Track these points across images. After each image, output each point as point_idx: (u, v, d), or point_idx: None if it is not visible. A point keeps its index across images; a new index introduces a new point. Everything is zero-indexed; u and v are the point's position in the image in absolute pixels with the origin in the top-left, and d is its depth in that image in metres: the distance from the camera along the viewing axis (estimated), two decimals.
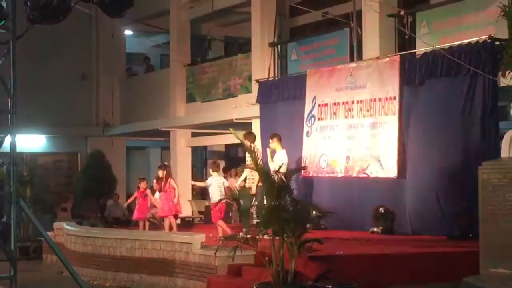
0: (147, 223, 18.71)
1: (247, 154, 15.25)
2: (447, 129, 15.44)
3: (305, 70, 19.17)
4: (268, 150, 16.26)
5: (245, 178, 16.52)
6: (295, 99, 19.24)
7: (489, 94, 14.67)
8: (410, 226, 16.06)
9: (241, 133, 13.05)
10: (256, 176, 15.11)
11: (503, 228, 10.49)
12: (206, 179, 18.40)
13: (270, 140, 16.38)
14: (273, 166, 15.22)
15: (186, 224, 21.63)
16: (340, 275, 11.84)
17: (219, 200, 15.74)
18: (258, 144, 17.49)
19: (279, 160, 15.68)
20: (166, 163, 19.83)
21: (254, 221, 12.52)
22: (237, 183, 16.85)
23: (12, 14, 9.72)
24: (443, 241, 14.52)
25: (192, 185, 24.80)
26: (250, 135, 16.34)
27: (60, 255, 10.85)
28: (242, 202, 12.41)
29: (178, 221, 18.78)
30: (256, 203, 12.39)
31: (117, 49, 29.59)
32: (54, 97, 27.30)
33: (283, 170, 14.94)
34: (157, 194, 18.39)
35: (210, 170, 17.40)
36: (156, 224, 18.62)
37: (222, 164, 28.31)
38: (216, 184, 16.69)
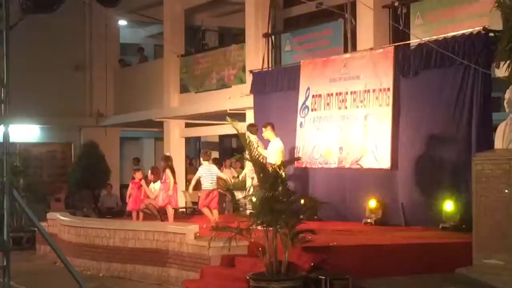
0: (141, 214, 18.71)
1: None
2: (440, 120, 15.44)
3: (299, 61, 19.15)
4: (255, 139, 16.22)
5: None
6: (289, 90, 19.22)
7: (483, 85, 14.65)
8: (403, 217, 16.07)
9: (237, 123, 13.02)
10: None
11: (496, 219, 10.51)
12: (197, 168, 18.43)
13: (263, 129, 16.41)
14: (268, 155, 15.30)
15: (180, 215, 21.63)
16: (334, 266, 11.87)
17: (213, 189, 15.95)
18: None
19: (275, 148, 15.73)
20: (167, 154, 19.84)
21: (247, 212, 12.52)
22: (236, 174, 16.97)
23: (5, 3, 9.68)
24: (436, 232, 14.54)
25: (186, 177, 24.86)
26: (253, 127, 16.47)
27: (53, 246, 10.83)
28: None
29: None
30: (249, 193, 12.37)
31: (111, 39, 29.52)
32: (47, 87, 27.26)
33: (276, 158, 15.01)
34: (157, 184, 18.39)
35: (201, 159, 17.79)
36: (150, 214, 18.61)
37: (215, 154, 28.46)
38: (208, 173, 17.00)
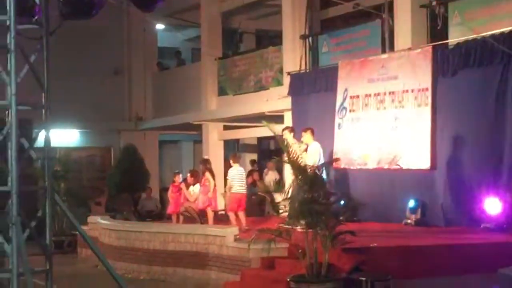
0: (181, 217, 18.79)
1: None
2: (480, 120, 15.33)
3: (336, 62, 19.11)
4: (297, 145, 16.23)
5: None
6: (326, 91, 19.20)
7: None
8: (443, 217, 15.97)
9: (274, 125, 13.03)
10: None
11: None
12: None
13: (303, 133, 16.39)
14: (308, 159, 15.30)
15: (220, 217, 21.65)
16: (374, 267, 11.83)
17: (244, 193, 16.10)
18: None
19: (314, 152, 15.72)
20: (206, 157, 19.91)
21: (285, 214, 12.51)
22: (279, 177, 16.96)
23: (45, 9, 9.77)
24: (477, 232, 14.43)
25: (225, 180, 24.90)
26: (288, 129, 16.47)
27: (95, 249, 10.91)
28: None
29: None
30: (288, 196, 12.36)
31: (149, 43, 29.71)
32: (87, 92, 27.41)
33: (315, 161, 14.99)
34: (197, 187, 18.46)
35: (231, 161, 17.65)
36: (189, 217, 18.68)
37: (254, 156, 28.48)
38: (239, 176, 17.12)
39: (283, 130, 15.96)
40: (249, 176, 24.24)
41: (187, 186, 18.87)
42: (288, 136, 15.43)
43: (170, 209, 19.25)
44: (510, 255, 10.93)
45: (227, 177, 17.36)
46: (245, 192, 17.29)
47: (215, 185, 17.95)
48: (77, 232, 14.20)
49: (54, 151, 24.81)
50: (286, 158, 12.35)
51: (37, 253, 10.14)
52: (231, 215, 17.15)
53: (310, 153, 15.77)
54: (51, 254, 9.85)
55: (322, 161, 15.46)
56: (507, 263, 11.03)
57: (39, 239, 9.83)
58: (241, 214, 17.05)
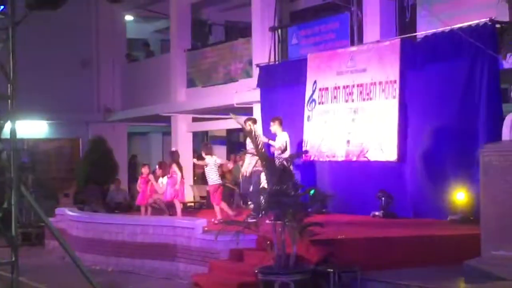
0: (149, 208, 18.76)
1: (248, 140, 15.36)
2: (448, 112, 15.42)
3: (306, 54, 19.13)
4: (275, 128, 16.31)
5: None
6: (295, 83, 19.20)
7: (490, 76, 14.62)
8: (411, 210, 16.07)
9: (242, 118, 13.03)
10: (252, 160, 15.20)
11: (504, 211, 10.51)
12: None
13: (271, 123, 16.42)
14: (275, 144, 15.37)
15: (188, 209, 21.66)
16: (342, 258, 11.87)
17: (220, 185, 15.98)
18: (259, 128, 17.50)
19: (281, 140, 15.79)
20: (173, 149, 19.86)
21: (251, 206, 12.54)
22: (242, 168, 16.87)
23: None
24: (444, 224, 14.54)
25: (194, 169, 24.90)
26: (251, 120, 16.41)
27: (62, 241, 10.87)
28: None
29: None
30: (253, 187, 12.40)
31: (118, 34, 29.53)
32: (54, 83, 27.23)
33: (287, 153, 15.04)
34: (165, 179, 18.45)
35: (203, 153, 17.23)
36: (158, 209, 18.66)
37: (223, 148, 28.49)
38: (213, 164, 16.87)
39: (245, 121, 15.88)
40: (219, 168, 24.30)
41: (156, 178, 18.84)
42: (253, 128, 15.46)
43: (138, 201, 19.22)
44: (476, 247, 11.00)
45: (206, 162, 17.01)
46: (221, 182, 17.26)
47: (182, 177, 17.93)
48: (45, 224, 14.10)
49: (21, 143, 24.73)
50: (253, 149, 12.34)
51: (3, 245, 10.09)
52: (224, 206, 17.00)
53: (277, 142, 15.85)
54: (17, 245, 9.81)
55: (288, 152, 15.46)
56: (472, 255, 11.12)
57: (5, 231, 9.78)
58: (217, 207, 16.99)
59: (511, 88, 15.91)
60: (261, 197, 12.16)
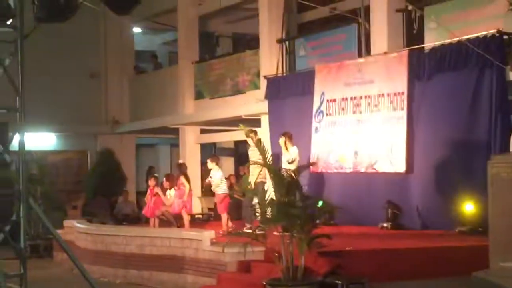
0: (156, 220, 18.77)
1: (250, 151, 15.44)
2: (456, 124, 15.41)
3: (313, 66, 19.16)
4: (282, 142, 16.35)
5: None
6: (303, 95, 19.23)
7: (498, 88, 14.63)
8: (419, 221, 16.04)
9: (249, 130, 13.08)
10: (256, 171, 15.22)
11: None
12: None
13: (282, 137, 16.47)
14: (287, 157, 15.39)
15: (196, 221, 21.65)
16: (350, 270, 11.85)
17: (226, 195, 16.07)
18: (266, 140, 17.52)
19: (293, 154, 15.87)
20: (181, 161, 19.88)
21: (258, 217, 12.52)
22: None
23: (20, 12, 9.74)
24: (452, 236, 14.51)
25: (202, 181, 24.91)
26: (253, 132, 16.49)
27: (70, 253, 10.89)
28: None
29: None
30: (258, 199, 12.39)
31: (126, 46, 29.60)
32: (63, 95, 27.29)
33: (294, 165, 15.05)
34: (173, 191, 18.48)
35: (212, 163, 17.35)
36: (166, 221, 18.66)
37: (231, 160, 28.51)
38: (219, 177, 16.99)
39: (248, 134, 15.90)
40: (227, 180, 24.33)
41: (164, 191, 18.85)
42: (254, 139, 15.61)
43: (145, 211, 19.23)
44: (484, 258, 10.96)
45: (210, 179, 17.18)
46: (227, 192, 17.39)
47: (190, 189, 17.95)
48: (53, 236, 14.12)
49: (30, 155, 24.75)
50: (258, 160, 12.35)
51: (12, 257, 10.11)
52: (224, 216, 17.12)
53: (288, 159, 15.92)
54: (26, 258, 9.82)
55: (296, 165, 15.47)
56: (480, 267, 11.08)
57: (14, 243, 9.80)
58: (224, 214, 17.12)
59: None
60: (268, 208, 12.14)
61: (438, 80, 15.82)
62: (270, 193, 12.29)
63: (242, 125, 13.11)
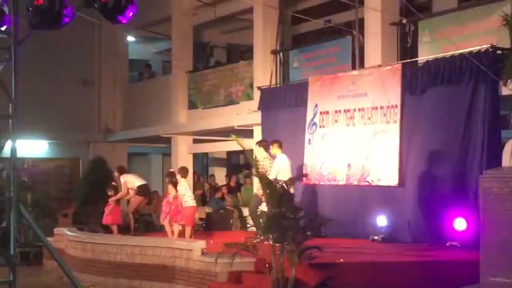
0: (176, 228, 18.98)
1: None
2: (448, 138, 15.41)
3: (307, 78, 19.16)
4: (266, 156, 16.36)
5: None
6: (296, 106, 19.24)
7: (490, 102, 14.64)
8: (410, 234, 16.03)
9: (242, 140, 13.03)
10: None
11: (503, 238, 10.46)
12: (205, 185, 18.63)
13: (270, 146, 16.47)
14: (273, 172, 15.37)
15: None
16: (340, 282, 11.83)
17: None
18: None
19: (276, 165, 15.84)
20: (171, 170, 19.94)
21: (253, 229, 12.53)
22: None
23: (14, 19, 9.73)
24: (443, 250, 14.50)
25: (194, 193, 24.90)
26: (264, 143, 16.55)
27: (60, 261, 10.84)
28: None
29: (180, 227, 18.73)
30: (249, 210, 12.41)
31: (120, 55, 29.61)
32: (56, 102, 27.29)
33: (280, 174, 15.01)
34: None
35: (179, 176, 17.72)
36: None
37: (223, 170, 28.50)
38: (182, 190, 17.37)
39: (259, 143, 16.19)
40: (219, 191, 24.33)
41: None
42: (262, 151, 15.70)
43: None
44: (475, 273, 10.96)
45: (181, 194, 17.41)
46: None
47: (174, 197, 17.97)
48: (43, 244, 14.08)
49: (22, 162, 24.71)
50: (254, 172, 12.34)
51: (1, 264, 10.05)
52: (188, 229, 17.28)
53: (274, 166, 15.90)
54: (15, 265, 9.78)
55: (287, 175, 15.39)
56: (471, 281, 11.08)
57: (4, 250, 9.75)
58: (188, 229, 17.24)
59: (511, 115, 15.90)
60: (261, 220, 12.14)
61: (432, 93, 15.84)
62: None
63: (234, 135, 13.07)
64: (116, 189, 20.04)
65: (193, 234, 17.60)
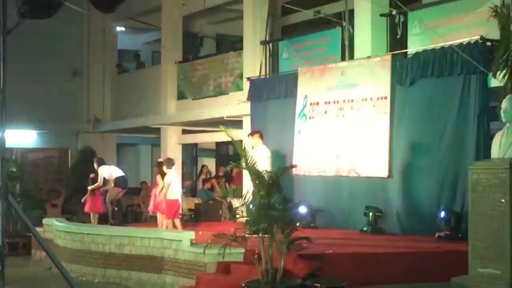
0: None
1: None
2: (438, 129, 15.43)
3: (297, 69, 19.15)
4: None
5: None
6: (286, 97, 19.22)
7: (480, 94, 14.66)
8: (399, 226, 16.06)
9: (231, 131, 13.00)
10: None
11: (492, 229, 10.50)
12: (194, 176, 18.67)
13: (250, 136, 16.52)
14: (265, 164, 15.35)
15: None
16: (330, 273, 11.84)
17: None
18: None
19: (256, 156, 15.81)
20: (160, 160, 19.93)
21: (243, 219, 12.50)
22: None
23: (2, 7, 9.66)
24: (432, 241, 14.52)
25: (182, 182, 24.90)
26: (257, 134, 16.58)
27: (49, 251, 10.80)
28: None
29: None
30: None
31: (109, 45, 29.56)
32: (45, 92, 27.24)
33: (261, 165, 15.00)
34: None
35: (165, 167, 17.76)
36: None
37: (212, 161, 28.48)
38: (177, 181, 17.62)
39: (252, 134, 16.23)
40: (208, 182, 24.32)
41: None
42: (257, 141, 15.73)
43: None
44: (463, 264, 10.99)
45: (168, 183, 17.41)
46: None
47: (161, 188, 17.98)
48: (32, 234, 14.04)
49: (10, 152, 24.64)
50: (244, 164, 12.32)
51: None
52: (177, 222, 17.31)
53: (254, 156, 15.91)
54: (4, 255, 9.74)
55: (268, 166, 15.34)
56: (459, 272, 11.11)
57: None
58: (177, 221, 17.30)
59: (500, 106, 15.92)
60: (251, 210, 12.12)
61: (421, 85, 15.85)
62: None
63: (223, 126, 13.04)
64: (93, 181, 20.19)
65: (181, 226, 17.57)
